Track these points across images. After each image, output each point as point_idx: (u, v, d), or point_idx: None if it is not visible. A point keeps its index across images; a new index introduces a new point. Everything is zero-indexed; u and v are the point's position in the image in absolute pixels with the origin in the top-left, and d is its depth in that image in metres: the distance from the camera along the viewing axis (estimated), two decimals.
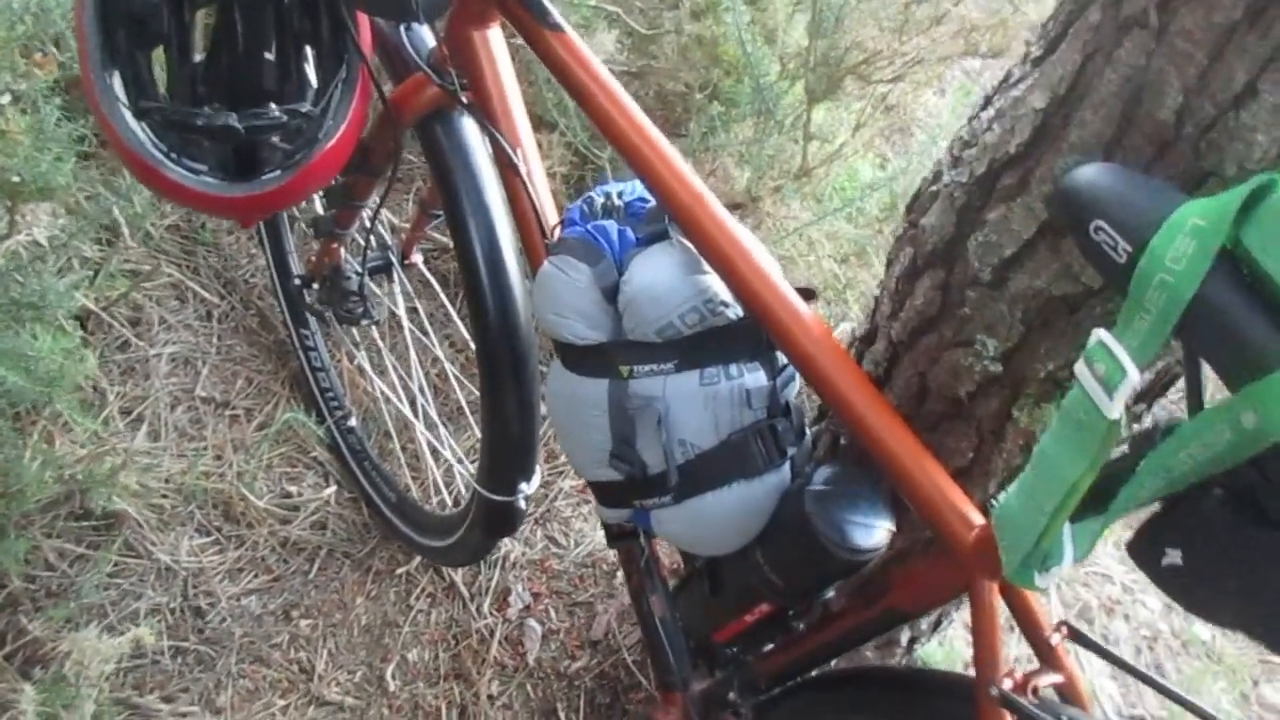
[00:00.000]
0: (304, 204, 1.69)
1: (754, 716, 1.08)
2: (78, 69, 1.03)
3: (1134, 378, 0.57)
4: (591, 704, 1.57)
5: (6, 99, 1.32)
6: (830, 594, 0.97)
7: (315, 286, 1.51)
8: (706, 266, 0.89)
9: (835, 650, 0.96)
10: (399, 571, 1.67)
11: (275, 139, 0.98)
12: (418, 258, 1.54)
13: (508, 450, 1.23)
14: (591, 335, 0.91)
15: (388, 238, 1.51)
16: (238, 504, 1.65)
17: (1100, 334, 0.58)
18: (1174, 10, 0.59)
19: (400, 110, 1.13)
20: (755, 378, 0.90)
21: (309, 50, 1.07)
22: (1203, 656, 1.92)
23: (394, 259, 1.49)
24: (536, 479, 1.28)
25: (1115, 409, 0.58)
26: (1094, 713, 0.80)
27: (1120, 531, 1.68)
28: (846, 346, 1.04)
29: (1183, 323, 0.55)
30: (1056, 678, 0.79)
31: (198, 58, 1.08)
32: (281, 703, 1.50)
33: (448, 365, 1.59)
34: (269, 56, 1.07)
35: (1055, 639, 0.80)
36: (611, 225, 0.93)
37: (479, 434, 1.57)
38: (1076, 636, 0.81)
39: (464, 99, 1.06)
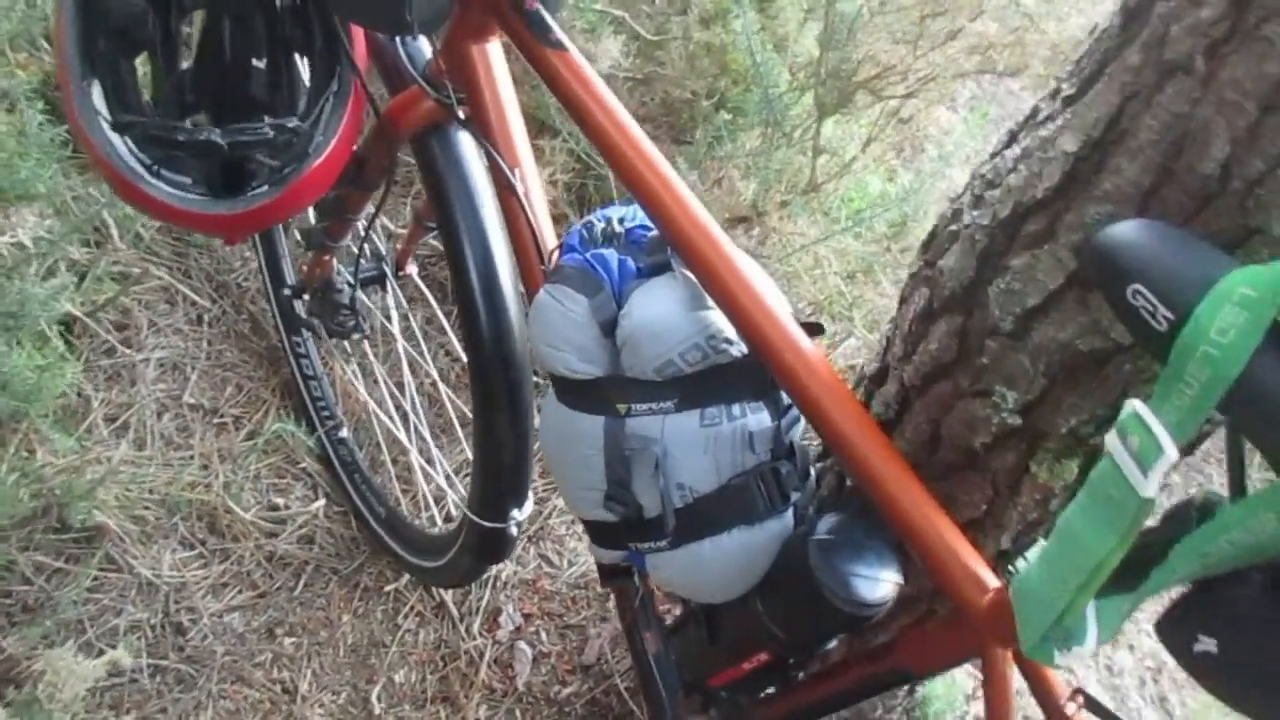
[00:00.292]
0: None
1: None
2: None
3: (1171, 455, 0.52)
4: None
5: None
6: (833, 644, 0.93)
7: (306, 298, 1.46)
8: (710, 301, 0.85)
9: (836, 704, 0.92)
10: (387, 589, 1.63)
11: (262, 155, 0.94)
12: (413, 269, 1.50)
13: (500, 476, 1.19)
14: (587, 370, 0.87)
15: (383, 248, 1.46)
16: (223, 516, 1.61)
17: (1136, 405, 0.54)
18: (1223, 58, 0.55)
19: (395, 124, 1.08)
20: (759, 418, 0.86)
21: (301, 59, 1.03)
22: None
23: (388, 270, 1.44)
24: (529, 505, 1.24)
25: (1150, 487, 0.54)
26: None
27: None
28: (854, 384, 1.00)
29: (1227, 400, 0.50)
30: None
31: (185, 65, 1.03)
32: None
33: (442, 386, 1.54)
34: (259, 65, 1.03)
35: (1070, 708, 0.75)
36: (611, 254, 0.88)
37: (470, 453, 1.53)
38: (1092, 706, 0.76)
39: (461, 114, 1.02)
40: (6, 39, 1.26)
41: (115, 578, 1.50)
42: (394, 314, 1.52)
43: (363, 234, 1.33)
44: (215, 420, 1.73)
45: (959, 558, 0.76)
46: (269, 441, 1.69)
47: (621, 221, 0.93)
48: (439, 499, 1.62)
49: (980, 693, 1.17)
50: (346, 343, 1.64)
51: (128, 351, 1.71)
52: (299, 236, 1.61)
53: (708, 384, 0.85)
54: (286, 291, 1.49)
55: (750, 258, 0.88)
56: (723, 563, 0.87)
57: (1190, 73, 0.56)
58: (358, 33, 1.01)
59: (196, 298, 1.82)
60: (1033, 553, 0.69)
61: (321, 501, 1.68)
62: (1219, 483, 1.90)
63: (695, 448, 0.85)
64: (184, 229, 1.61)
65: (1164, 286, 0.53)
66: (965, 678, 1.59)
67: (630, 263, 0.88)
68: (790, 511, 0.88)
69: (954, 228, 0.76)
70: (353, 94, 1.00)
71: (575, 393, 0.89)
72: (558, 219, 2.03)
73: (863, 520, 0.86)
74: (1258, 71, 0.54)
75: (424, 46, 1.08)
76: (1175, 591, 0.60)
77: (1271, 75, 0.54)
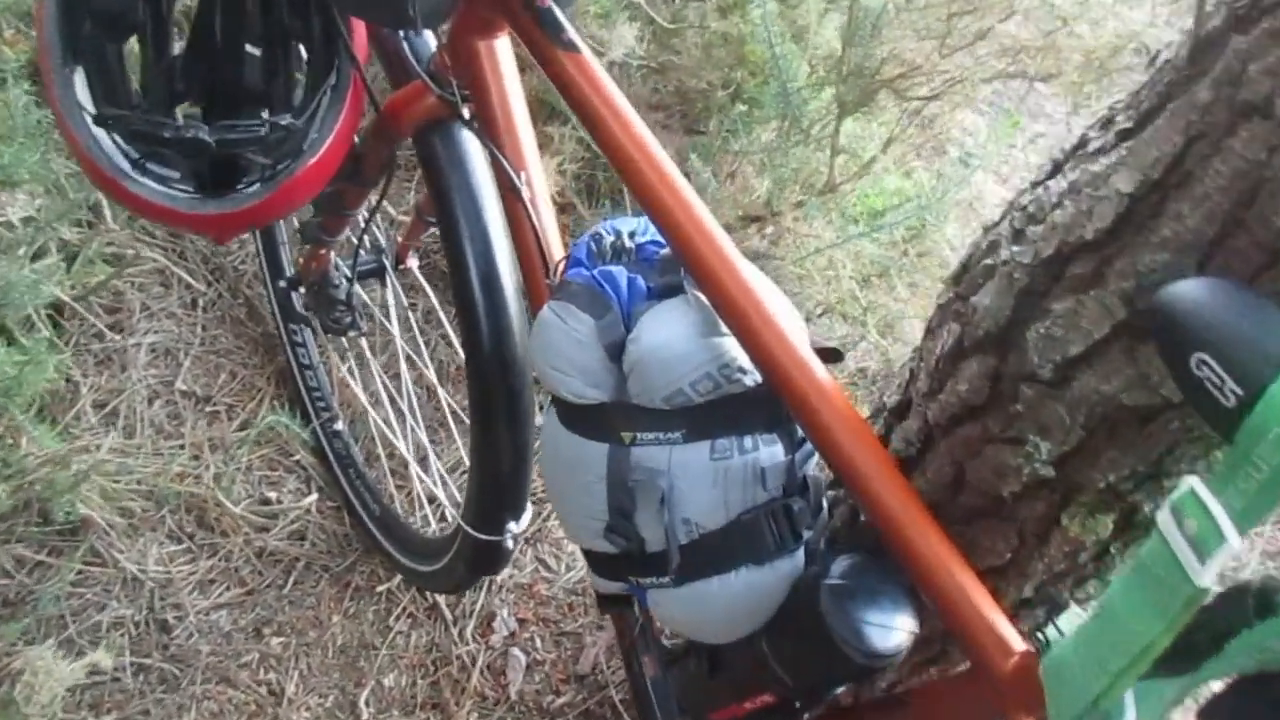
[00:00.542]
0: None
1: None
2: None
3: (1235, 545, 0.47)
4: None
5: None
6: (841, 689, 0.88)
7: (302, 291, 1.41)
8: (724, 327, 0.79)
9: None
10: (379, 589, 1.58)
11: (253, 154, 0.88)
12: (414, 262, 1.44)
13: (497, 488, 1.14)
14: (591, 394, 0.82)
15: (383, 240, 1.41)
16: (213, 509, 1.56)
17: (1195, 485, 0.49)
18: None
19: (396, 120, 1.03)
20: (772, 452, 0.81)
21: (298, 48, 0.97)
22: None
23: (388, 264, 1.39)
24: (527, 517, 1.19)
25: (1207, 577, 0.49)
26: None
27: None
28: (873, 414, 0.95)
29: None
30: None
31: (176, 51, 0.98)
32: None
33: (442, 392, 1.49)
34: (254, 52, 0.97)
35: None
36: (621, 272, 0.83)
37: (465, 454, 1.48)
38: None
39: (464, 112, 0.96)
40: None
41: (99, 572, 1.45)
42: (393, 310, 1.46)
43: (362, 225, 1.27)
44: (208, 408, 1.69)
45: (982, 615, 0.71)
46: (262, 432, 1.65)
47: (632, 236, 0.88)
48: (433, 499, 1.57)
49: None
50: (344, 339, 1.59)
51: (119, 336, 1.67)
52: (298, 225, 1.55)
53: (719, 414, 0.80)
54: (282, 284, 1.43)
55: (766, 277, 0.83)
56: (728, 602, 0.82)
57: (1269, 117, 0.51)
58: (358, 23, 0.95)
59: (192, 281, 1.77)
60: (1066, 621, 0.65)
61: (314, 496, 1.64)
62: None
63: (704, 481, 0.80)
64: (170, 227, 1.55)
65: (1234, 359, 0.48)
66: None
67: (640, 282, 0.82)
68: (801, 551, 0.83)
69: (990, 261, 0.71)
70: (351, 87, 0.94)
71: (578, 417, 0.84)
72: (565, 208, 1.97)
73: (877, 563, 0.81)
74: None
75: (429, 38, 1.02)
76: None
77: None
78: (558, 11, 0.83)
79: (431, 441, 1.64)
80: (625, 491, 0.81)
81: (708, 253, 0.79)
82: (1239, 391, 0.47)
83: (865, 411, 1.81)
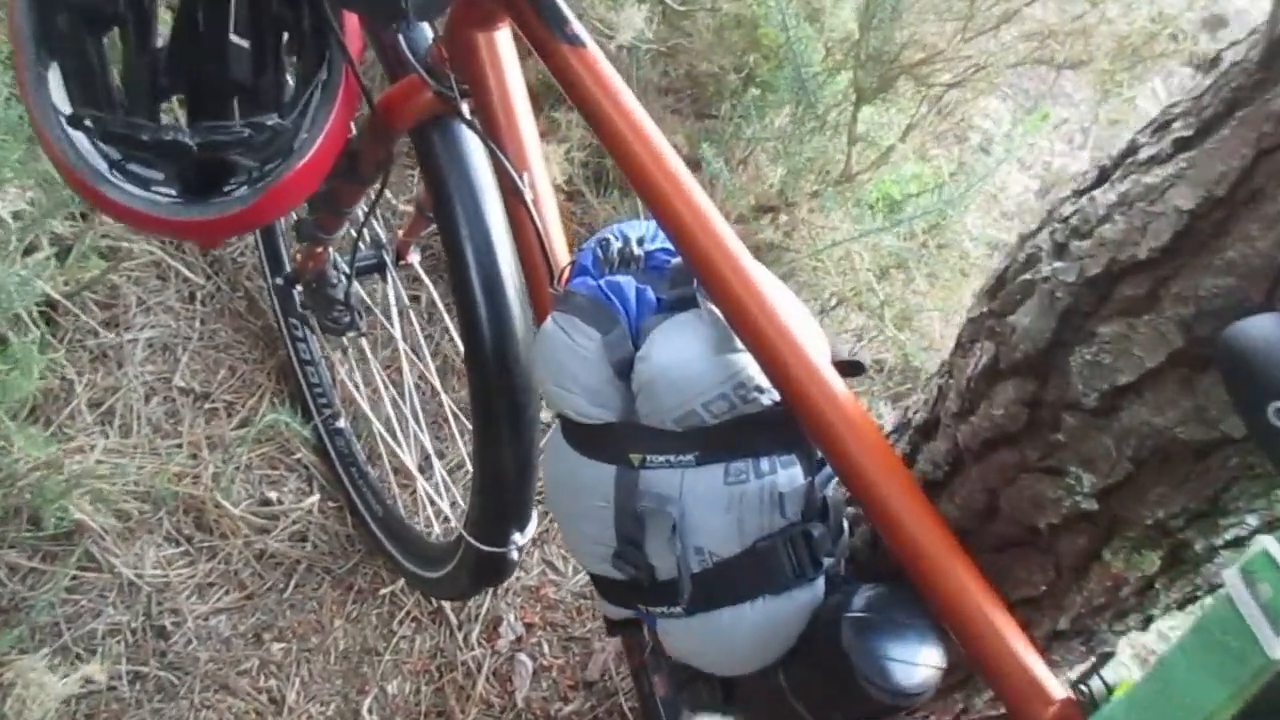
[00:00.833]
0: None
1: None
2: None
3: None
4: None
5: None
6: None
7: (299, 289, 1.36)
8: (740, 343, 0.74)
9: None
10: (383, 592, 1.54)
11: (238, 156, 0.83)
12: (415, 257, 1.39)
13: (500, 499, 1.09)
14: (597, 414, 0.77)
15: (383, 234, 1.36)
16: (211, 511, 1.52)
17: (1270, 547, 0.44)
18: None
19: (392, 116, 0.97)
20: (790, 475, 0.76)
21: (288, 41, 0.92)
22: None
23: (388, 260, 1.34)
24: (533, 526, 1.15)
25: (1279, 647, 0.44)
26: None
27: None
28: (896, 428, 0.89)
29: None
30: None
31: (160, 43, 0.92)
32: None
33: (445, 397, 1.44)
34: (242, 44, 0.92)
35: None
36: (629, 282, 0.77)
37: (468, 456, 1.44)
38: None
39: (463, 109, 0.91)
40: None
41: (94, 578, 1.42)
42: (394, 307, 1.41)
43: (361, 219, 1.22)
44: (206, 406, 1.64)
45: (1016, 657, 0.66)
46: (262, 430, 1.60)
47: (641, 242, 0.82)
48: (437, 503, 1.53)
49: None
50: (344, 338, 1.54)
51: (115, 332, 1.62)
52: (295, 220, 1.50)
53: (734, 435, 0.75)
54: (279, 281, 1.38)
55: (783, 286, 0.77)
56: (744, 634, 0.78)
57: None
58: (350, 16, 0.90)
59: (189, 274, 1.72)
60: (1111, 673, 0.60)
61: (316, 496, 1.60)
62: None
63: (717, 507, 0.75)
64: (151, 234, 1.49)
65: None
66: None
67: (650, 293, 0.77)
68: (821, 579, 0.78)
69: (1028, 277, 0.65)
70: (343, 83, 0.89)
71: (583, 436, 0.79)
72: (573, 196, 1.92)
73: (902, 593, 0.76)
74: None
75: (426, 29, 0.96)
76: None
77: None
78: (560, 2, 0.78)
79: (436, 439, 1.59)
80: (634, 519, 0.76)
81: (721, 263, 0.74)
82: None
83: (883, 409, 1.77)
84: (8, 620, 1.32)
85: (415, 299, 1.71)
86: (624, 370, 0.76)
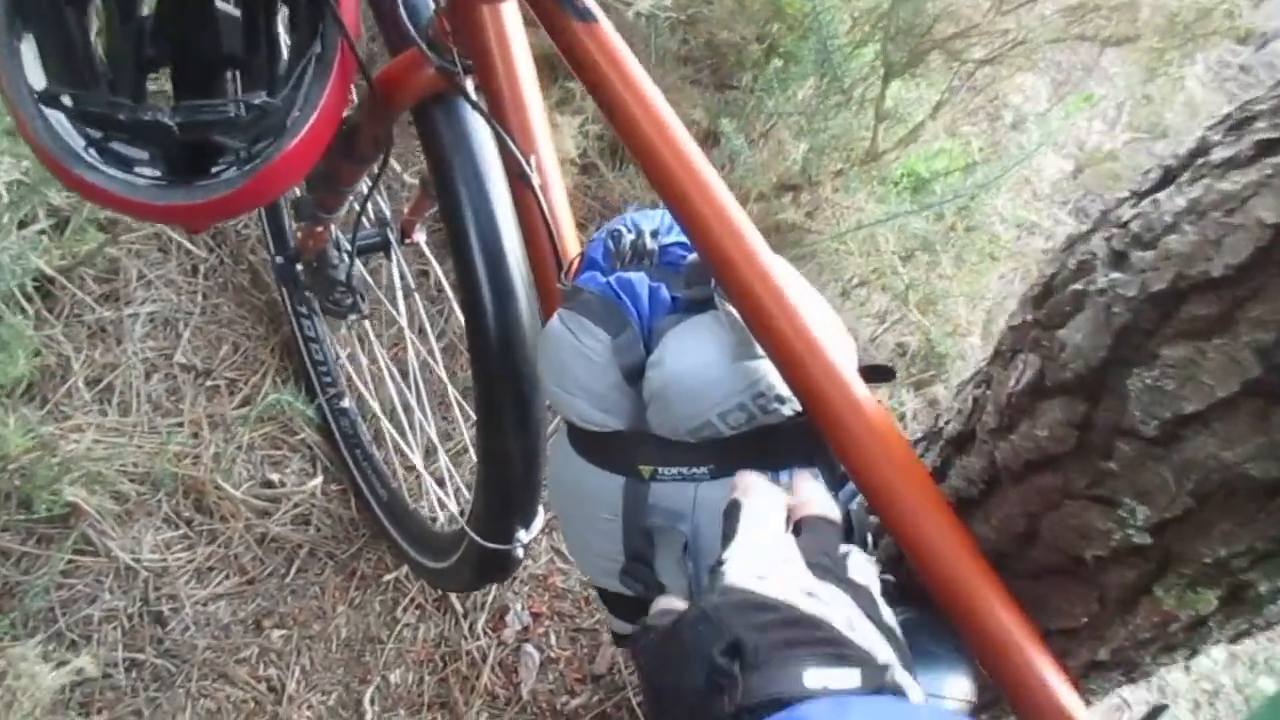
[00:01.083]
0: None
1: None
2: None
3: None
4: None
5: None
6: None
7: (300, 268, 1.31)
8: (759, 348, 0.68)
9: None
10: (386, 578, 1.50)
11: (224, 137, 0.77)
12: (420, 236, 1.33)
13: (505, 496, 1.04)
14: (601, 420, 0.71)
15: (387, 211, 1.30)
16: (211, 493, 1.48)
17: None
18: None
19: (392, 92, 0.91)
20: None
21: (283, 8, 0.85)
22: None
23: (392, 239, 1.28)
24: (539, 522, 1.10)
25: None
26: None
27: None
28: (926, 437, 0.84)
29: None
30: None
31: (145, 12, 0.86)
32: None
33: (451, 390, 1.39)
34: (232, 12, 0.86)
35: None
36: (641, 279, 0.72)
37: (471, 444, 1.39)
38: None
39: (467, 87, 0.85)
40: None
41: (90, 562, 1.38)
42: (399, 288, 1.36)
43: (365, 193, 1.16)
44: (207, 383, 1.60)
45: (1050, 692, 0.61)
46: (265, 409, 1.56)
47: (655, 235, 0.76)
48: (440, 494, 1.48)
49: None
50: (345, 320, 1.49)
51: (113, 307, 1.57)
52: (296, 196, 1.45)
53: (752, 447, 0.70)
54: (280, 260, 1.33)
55: (807, 284, 0.72)
56: None
57: None
58: None
59: (191, 246, 1.67)
60: None
61: (319, 478, 1.55)
62: None
63: None
64: (133, 218, 1.44)
65: None
66: None
67: (664, 292, 0.71)
68: None
69: (1080, 287, 0.59)
70: (339, 57, 0.83)
71: (590, 443, 0.74)
72: (587, 169, 1.85)
73: (930, 617, 0.71)
74: None
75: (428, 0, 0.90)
76: None
77: None
78: None
79: (443, 420, 1.54)
80: (644, 534, 0.71)
81: (740, 260, 0.68)
82: None
83: (905, 397, 1.71)
84: (1, 606, 1.29)
85: (424, 274, 1.66)
86: (634, 376, 0.70)
